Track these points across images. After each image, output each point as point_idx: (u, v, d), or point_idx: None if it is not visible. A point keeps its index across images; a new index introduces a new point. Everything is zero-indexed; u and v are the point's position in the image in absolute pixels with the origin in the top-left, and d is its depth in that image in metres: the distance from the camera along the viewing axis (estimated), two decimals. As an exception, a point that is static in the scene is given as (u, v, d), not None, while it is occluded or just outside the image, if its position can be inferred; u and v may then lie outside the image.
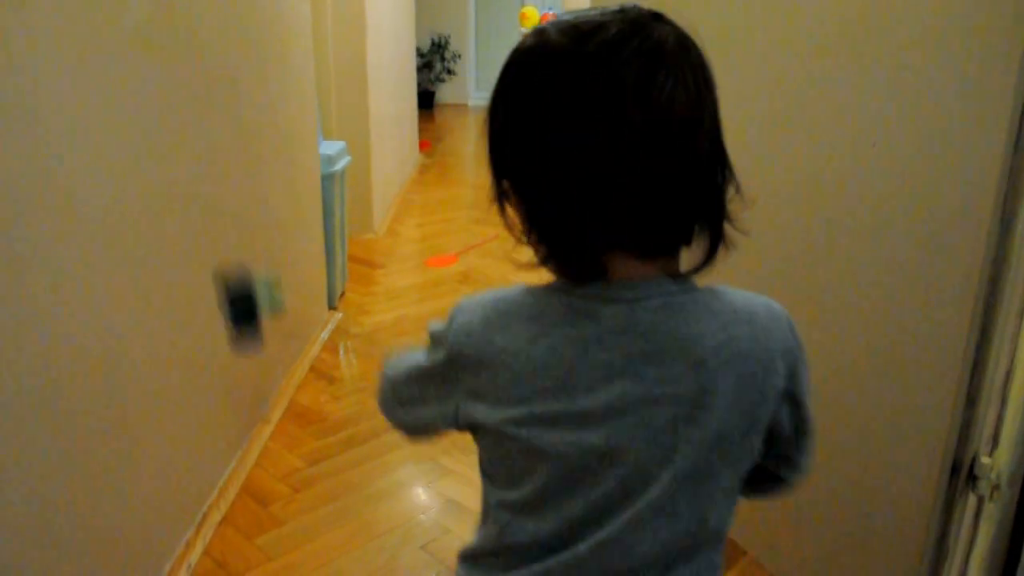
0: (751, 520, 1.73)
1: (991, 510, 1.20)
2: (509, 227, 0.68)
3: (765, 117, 1.52)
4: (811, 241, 1.44)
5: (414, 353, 0.76)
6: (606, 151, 0.60)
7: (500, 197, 0.68)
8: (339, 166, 3.11)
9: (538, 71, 0.63)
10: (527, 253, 0.69)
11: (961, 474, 1.22)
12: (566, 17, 0.65)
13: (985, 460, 1.20)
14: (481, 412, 0.69)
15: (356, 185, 3.84)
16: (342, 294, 3.38)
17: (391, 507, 1.93)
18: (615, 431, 0.64)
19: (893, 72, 1.24)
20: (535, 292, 0.69)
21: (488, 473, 0.73)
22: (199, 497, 1.76)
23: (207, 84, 1.77)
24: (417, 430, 0.81)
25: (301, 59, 2.70)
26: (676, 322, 0.65)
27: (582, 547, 0.66)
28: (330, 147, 3.13)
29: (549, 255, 0.67)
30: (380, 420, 0.89)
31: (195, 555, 1.68)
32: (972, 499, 1.23)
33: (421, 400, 0.76)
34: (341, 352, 2.87)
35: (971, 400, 1.19)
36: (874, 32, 1.27)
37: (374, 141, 4.22)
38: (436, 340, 0.72)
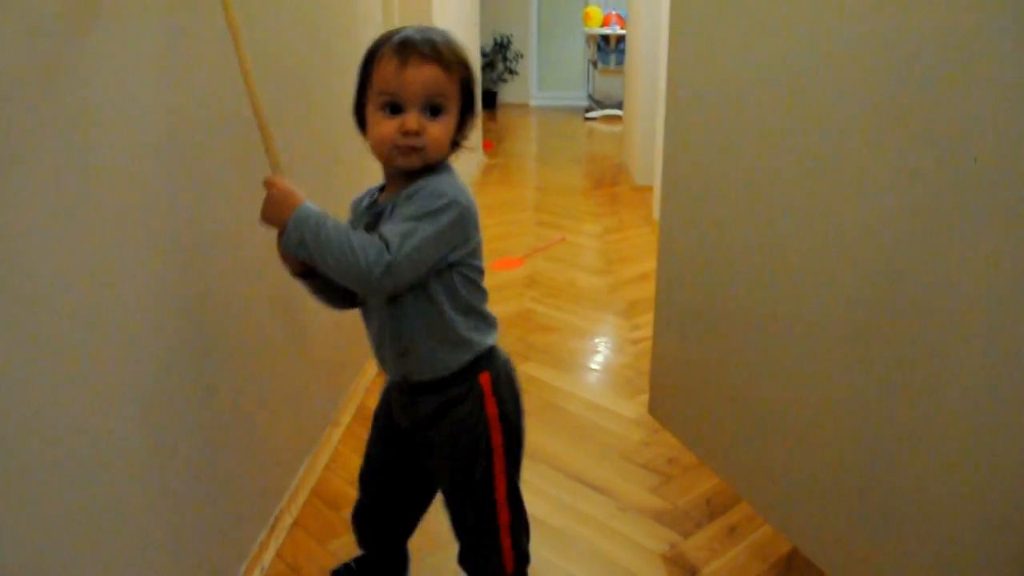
0: (828, 539, 1.69)
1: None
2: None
3: (860, 131, 1.47)
4: (903, 252, 1.39)
5: (415, 228, 1.16)
6: None
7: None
8: (408, 169, 3.12)
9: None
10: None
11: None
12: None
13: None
14: (472, 244, 1.25)
15: (422, 187, 3.85)
16: (408, 296, 3.39)
17: (460, 514, 1.93)
18: None
19: (994, 83, 1.19)
20: (456, 172, 1.26)
21: (477, 285, 1.30)
22: (272, 499, 1.78)
23: (278, 87, 1.79)
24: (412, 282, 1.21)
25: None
26: None
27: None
28: (399, 150, 3.14)
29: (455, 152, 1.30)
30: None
31: (268, 557, 1.69)
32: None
33: (437, 255, 1.19)
34: (408, 355, 2.88)
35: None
36: (973, 42, 1.22)
37: (440, 143, 4.23)
38: (449, 206, 1.18)
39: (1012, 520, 1.23)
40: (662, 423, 2.34)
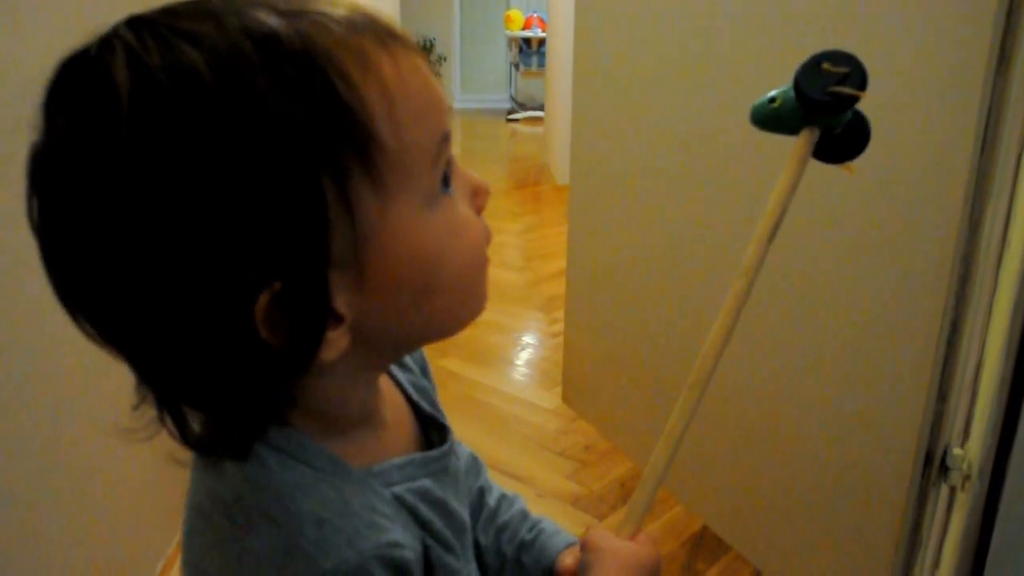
0: (734, 516, 1.77)
1: (963, 500, 1.24)
2: None
3: (739, 120, 1.56)
4: (781, 237, 1.48)
5: None
6: None
7: None
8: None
9: None
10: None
11: (934, 465, 1.26)
12: None
13: (957, 451, 1.24)
14: None
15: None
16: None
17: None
18: None
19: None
20: None
21: None
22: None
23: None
24: None
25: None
26: None
27: None
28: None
29: None
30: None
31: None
32: (944, 490, 1.27)
33: None
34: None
35: (943, 394, 1.23)
36: (844, 36, 1.31)
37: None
38: None
39: (884, 495, 1.33)
40: (577, 412, 2.41)
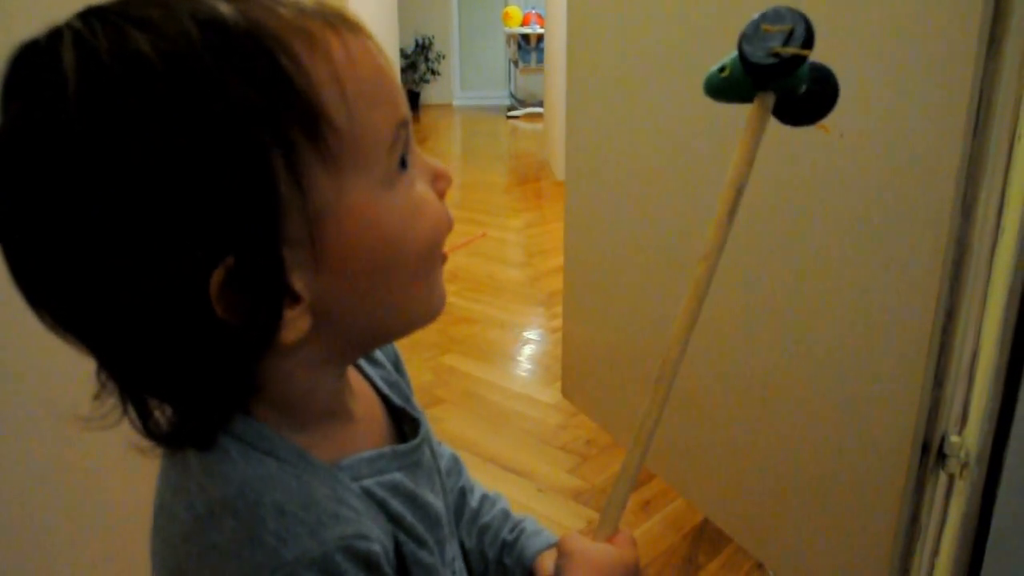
0: (735, 508, 1.77)
1: (961, 487, 1.24)
2: None
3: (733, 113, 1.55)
4: (778, 227, 1.48)
5: None
6: None
7: None
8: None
9: None
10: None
11: (931, 453, 1.26)
12: None
13: (954, 439, 1.23)
14: None
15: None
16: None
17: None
18: None
19: (858, 63, 1.28)
20: None
21: None
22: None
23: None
24: None
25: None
26: None
27: None
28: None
29: None
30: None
31: None
32: (943, 477, 1.26)
33: None
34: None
35: (939, 381, 1.23)
36: (837, 24, 1.30)
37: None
38: None
39: (881, 490, 1.32)
40: (577, 406, 2.41)
